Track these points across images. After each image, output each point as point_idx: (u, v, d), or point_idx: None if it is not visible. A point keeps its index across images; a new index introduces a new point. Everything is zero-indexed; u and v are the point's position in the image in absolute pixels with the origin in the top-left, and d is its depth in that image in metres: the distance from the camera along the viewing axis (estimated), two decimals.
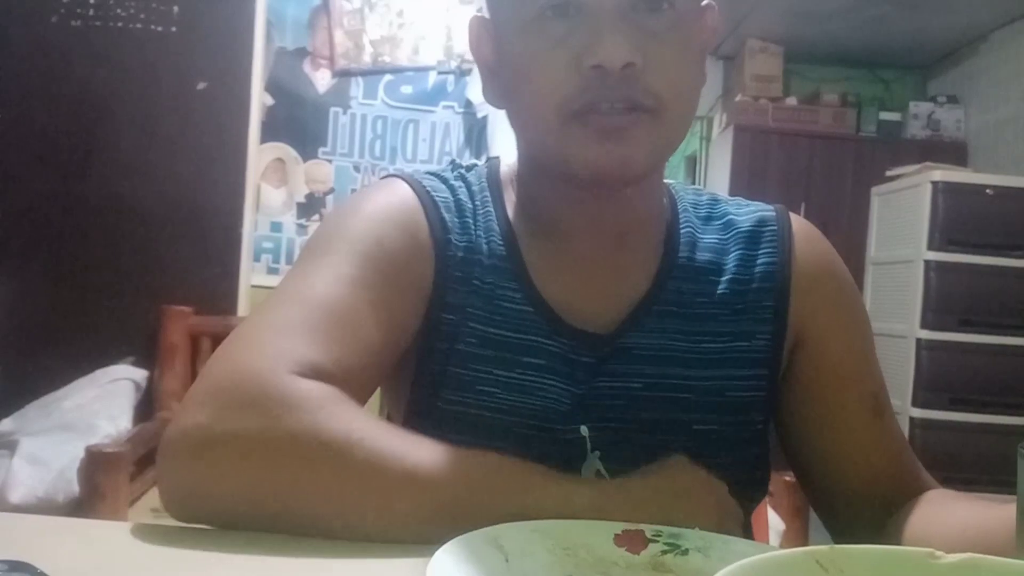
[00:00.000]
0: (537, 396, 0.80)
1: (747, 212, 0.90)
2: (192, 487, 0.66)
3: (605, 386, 0.82)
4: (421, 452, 0.67)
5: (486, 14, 0.84)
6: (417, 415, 0.83)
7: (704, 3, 0.82)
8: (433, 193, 0.84)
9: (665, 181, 0.91)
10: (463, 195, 0.86)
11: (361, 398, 0.76)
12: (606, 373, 0.82)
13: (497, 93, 0.83)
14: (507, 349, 0.81)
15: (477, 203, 0.86)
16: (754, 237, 0.88)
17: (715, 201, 0.92)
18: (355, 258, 0.77)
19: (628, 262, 0.85)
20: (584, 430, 0.80)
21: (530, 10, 0.75)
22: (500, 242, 0.84)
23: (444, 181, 0.87)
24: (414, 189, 0.84)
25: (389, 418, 0.92)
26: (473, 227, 0.84)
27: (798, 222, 0.90)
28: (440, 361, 0.81)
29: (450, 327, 0.81)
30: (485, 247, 0.84)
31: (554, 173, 0.81)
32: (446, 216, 0.83)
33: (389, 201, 0.83)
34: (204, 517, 0.66)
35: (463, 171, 0.90)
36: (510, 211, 0.86)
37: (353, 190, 3.42)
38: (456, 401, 0.80)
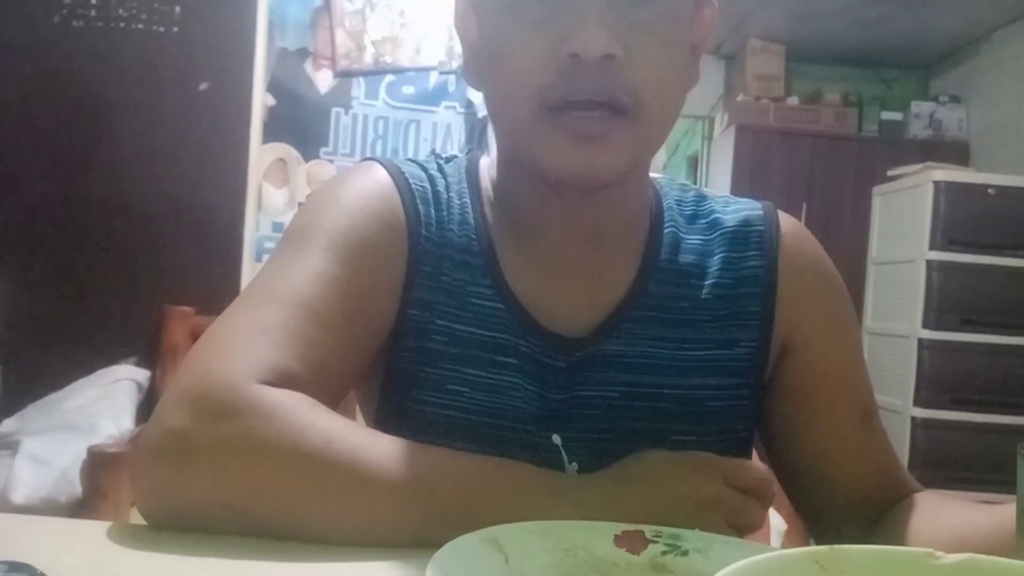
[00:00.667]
0: (507, 396, 0.78)
1: (733, 211, 0.86)
2: (168, 493, 0.65)
3: (580, 393, 0.79)
4: (404, 457, 0.66)
5: None
6: (387, 416, 0.81)
7: None
8: (412, 181, 0.82)
9: (651, 175, 0.88)
10: (440, 186, 0.83)
11: (335, 399, 0.75)
12: (581, 380, 0.79)
13: (476, 74, 0.80)
14: (477, 347, 0.78)
15: (453, 195, 0.83)
16: (740, 238, 0.84)
17: (701, 198, 0.88)
18: (331, 253, 0.75)
19: (607, 264, 0.82)
20: (556, 439, 0.77)
21: None
22: (474, 237, 0.81)
23: (424, 170, 0.84)
24: (392, 175, 0.81)
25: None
26: (447, 221, 0.81)
27: (786, 222, 0.87)
28: (408, 360, 0.79)
29: (417, 324, 0.79)
30: (458, 241, 0.81)
31: (525, 167, 0.77)
32: (421, 208, 0.80)
33: (367, 189, 0.80)
34: (180, 523, 0.65)
35: (443, 162, 0.87)
36: (487, 206, 0.83)
37: None
38: (426, 401, 0.78)
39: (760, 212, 0.86)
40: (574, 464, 0.77)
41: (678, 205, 0.87)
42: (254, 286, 0.76)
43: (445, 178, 0.84)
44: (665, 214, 0.86)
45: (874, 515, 0.82)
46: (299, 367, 0.69)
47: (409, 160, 0.86)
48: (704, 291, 0.83)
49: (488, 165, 0.87)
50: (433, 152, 0.89)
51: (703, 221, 0.86)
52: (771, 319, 0.83)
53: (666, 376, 0.80)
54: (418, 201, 0.81)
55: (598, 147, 0.71)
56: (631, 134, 0.72)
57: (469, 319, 0.79)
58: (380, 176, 0.82)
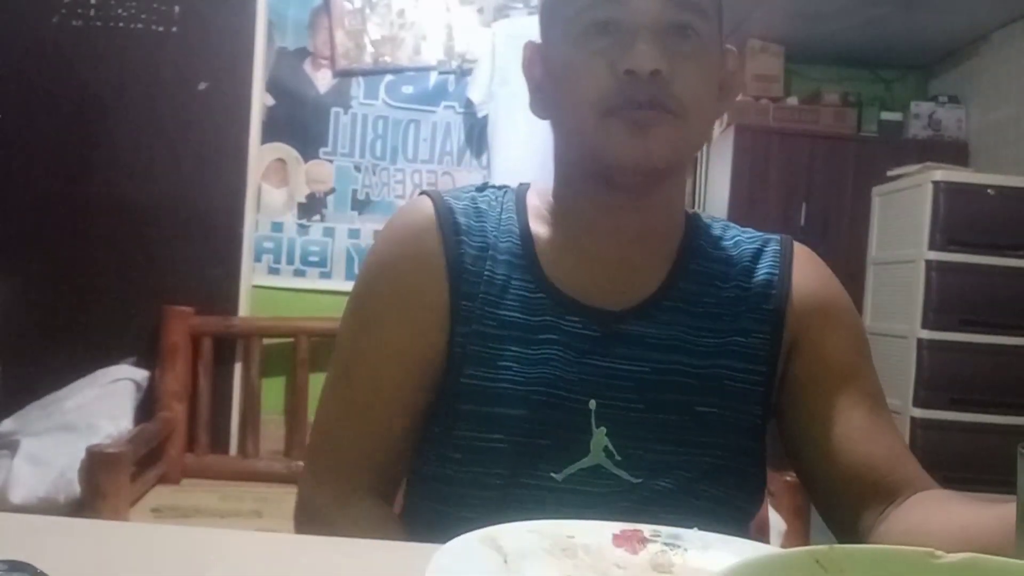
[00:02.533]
0: (550, 366, 0.89)
1: (753, 237, 1.00)
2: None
3: (615, 367, 0.89)
4: None
5: (538, 40, 0.96)
6: (445, 392, 0.91)
7: (726, 47, 0.93)
8: (452, 201, 0.95)
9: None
10: (485, 203, 0.97)
11: (408, 441, 0.93)
12: (616, 354, 0.90)
13: (543, 105, 0.95)
14: (521, 329, 0.90)
15: (501, 210, 0.97)
16: (758, 253, 0.97)
17: (727, 227, 1.02)
18: (380, 320, 0.93)
19: (643, 262, 0.94)
20: (592, 404, 0.88)
21: (577, 27, 0.87)
22: (517, 241, 0.94)
23: (468, 192, 0.99)
24: (434, 202, 0.95)
25: None
26: (492, 228, 0.95)
27: (800, 247, 1.00)
28: (461, 344, 0.90)
29: (468, 312, 0.91)
30: (502, 245, 0.94)
31: (588, 168, 0.90)
32: (461, 220, 0.94)
33: (404, 224, 0.96)
34: None
35: (495, 189, 1.00)
36: (532, 218, 0.96)
37: (354, 190, 3.43)
38: (478, 376, 0.89)
39: (777, 237, 1.00)
40: (602, 428, 0.88)
41: (708, 228, 1.00)
42: (334, 368, 0.95)
43: (500, 199, 0.98)
44: (695, 231, 0.99)
45: (885, 503, 0.87)
46: (369, 461, 0.92)
47: (461, 188, 1.00)
48: (725, 291, 0.95)
49: (537, 191, 1.00)
50: (485, 183, 1.03)
51: (728, 242, 0.99)
52: (782, 318, 0.94)
53: (690, 357, 0.91)
54: (456, 215, 0.94)
55: (649, 135, 0.85)
56: (676, 129, 0.86)
57: (513, 306, 0.91)
58: (422, 206, 0.95)
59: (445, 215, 0.94)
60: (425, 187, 3.03)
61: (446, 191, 0.99)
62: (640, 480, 0.87)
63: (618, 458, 0.87)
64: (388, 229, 0.98)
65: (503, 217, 0.96)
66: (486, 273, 0.92)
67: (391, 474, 0.94)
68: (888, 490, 0.87)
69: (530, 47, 0.97)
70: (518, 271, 0.93)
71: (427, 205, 0.95)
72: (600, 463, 0.87)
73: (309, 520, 0.92)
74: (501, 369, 0.89)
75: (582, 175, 0.92)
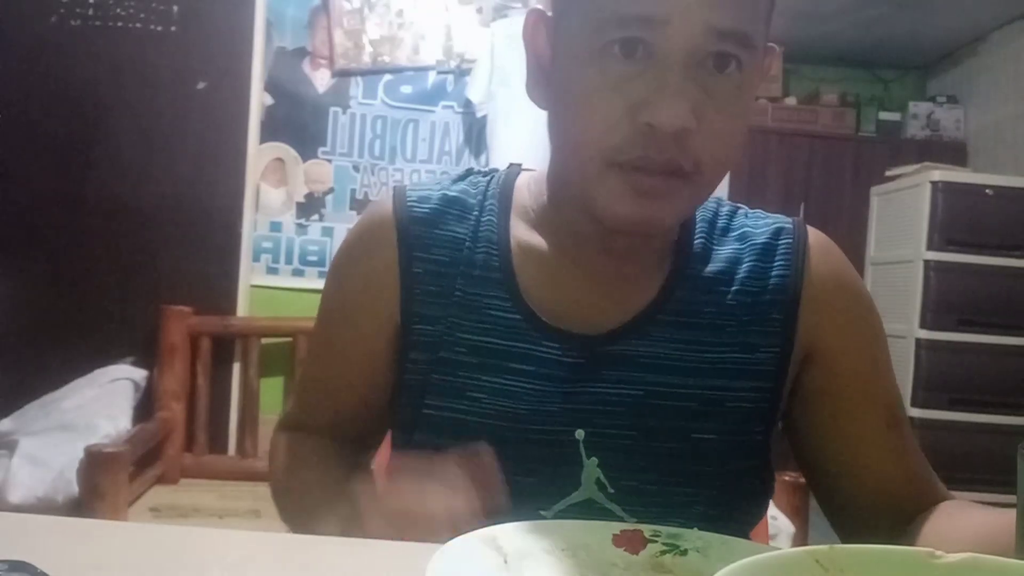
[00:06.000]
0: (525, 400, 0.80)
1: (763, 224, 0.89)
2: None
3: (604, 391, 0.81)
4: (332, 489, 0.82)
5: (548, 11, 0.81)
6: (402, 423, 0.86)
7: (769, 45, 0.79)
8: (417, 208, 0.86)
9: None
10: (459, 207, 0.87)
11: (358, 433, 0.94)
12: (606, 378, 0.82)
13: (543, 96, 0.81)
14: (495, 356, 0.82)
15: (478, 212, 0.86)
16: (768, 249, 0.87)
17: (733, 213, 0.91)
18: (330, 323, 0.92)
19: (636, 271, 0.85)
20: (579, 434, 0.80)
21: (598, 40, 0.73)
22: (495, 252, 0.85)
23: (444, 187, 0.88)
24: (396, 208, 0.87)
25: None
26: (466, 238, 0.85)
27: (814, 235, 0.89)
28: (421, 371, 0.83)
29: (428, 338, 0.83)
30: (475, 258, 0.84)
31: (580, 205, 0.80)
32: (420, 231, 0.85)
33: (360, 236, 0.90)
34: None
35: (481, 177, 0.90)
36: (516, 221, 0.86)
37: (352, 190, 3.42)
38: (444, 407, 0.82)
39: (789, 226, 0.89)
40: (593, 459, 0.80)
41: (712, 217, 0.89)
42: (311, 338, 0.98)
43: (480, 196, 0.88)
44: (697, 226, 0.88)
45: (902, 520, 0.83)
46: (314, 419, 0.94)
47: (431, 183, 0.90)
48: (729, 297, 0.85)
49: (528, 180, 0.90)
50: (469, 169, 0.93)
51: (734, 233, 0.89)
52: (794, 327, 0.85)
53: (688, 377, 0.82)
54: (420, 226, 0.85)
55: (657, 203, 0.75)
56: (689, 193, 0.76)
57: (487, 330, 0.82)
58: (381, 213, 0.88)
59: (404, 226, 0.85)
60: None
61: (418, 187, 0.89)
62: (635, 520, 0.77)
63: (611, 491, 0.80)
64: (350, 236, 0.91)
65: (483, 220, 0.86)
66: (456, 292, 0.83)
67: (359, 430, 0.93)
68: (905, 507, 0.83)
69: (535, 17, 0.81)
70: (492, 287, 0.83)
71: (387, 215, 0.86)
72: (592, 496, 0.80)
73: (272, 446, 0.96)
74: (471, 400, 0.81)
75: (575, 202, 0.82)
